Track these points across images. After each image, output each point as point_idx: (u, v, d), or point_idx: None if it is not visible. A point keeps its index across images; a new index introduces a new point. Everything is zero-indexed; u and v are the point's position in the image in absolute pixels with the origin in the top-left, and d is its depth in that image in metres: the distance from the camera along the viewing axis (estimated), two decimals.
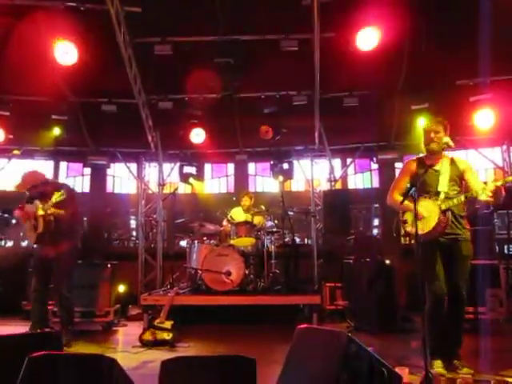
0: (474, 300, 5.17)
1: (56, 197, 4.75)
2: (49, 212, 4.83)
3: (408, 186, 3.54)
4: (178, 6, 6.80)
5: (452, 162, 3.88)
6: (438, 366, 3.62)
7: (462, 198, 3.65)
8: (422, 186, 3.71)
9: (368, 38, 6.39)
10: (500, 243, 6.24)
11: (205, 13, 7.11)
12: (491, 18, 5.93)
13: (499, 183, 3.44)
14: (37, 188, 5.08)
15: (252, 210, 7.08)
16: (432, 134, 3.87)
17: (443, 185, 3.77)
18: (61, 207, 4.86)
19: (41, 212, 4.86)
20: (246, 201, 7.20)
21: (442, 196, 3.72)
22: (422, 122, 7.74)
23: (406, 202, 3.52)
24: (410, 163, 4.08)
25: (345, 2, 6.54)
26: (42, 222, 4.88)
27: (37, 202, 4.94)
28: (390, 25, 6.36)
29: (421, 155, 4.08)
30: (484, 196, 3.52)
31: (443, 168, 3.84)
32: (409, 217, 3.80)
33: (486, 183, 3.56)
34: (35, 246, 5.17)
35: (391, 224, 4.07)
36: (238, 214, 7.15)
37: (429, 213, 3.68)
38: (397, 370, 2.77)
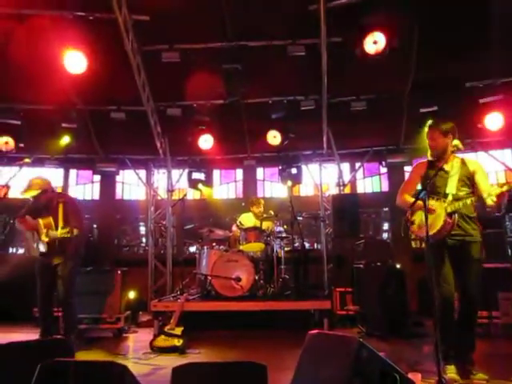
0: (486, 304, 5.11)
1: (62, 232, 4.77)
2: (54, 237, 4.84)
3: (418, 188, 3.52)
4: (186, 14, 6.84)
5: (463, 163, 3.84)
6: (451, 372, 3.57)
7: (468, 201, 3.62)
8: (431, 188, 3.68)
9: (375, 42, 6.37)
10: None
11: (212, 19, 7.16)
12: (501, 20, 5.89)
13: (504, 189, 3.40)
14: (42, 196, 5.01)
15: (262, 215, 7.09)
16: (428, 142, 3.87)
17: (452, 187, 3.74)
18: (66, 226, 4.86)
19: (44, 238, 4.85)
20: (257, 208, 7.22)
21: (449, 198, 3.69)
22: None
23: (418, 203, 3.49)
24: (420, 165, 4.05)
25: (351, 6, 6.55)
26: (46, 245, 4.88)
27: (40, 221, 4.91)
28: (397, 28, 6.35)
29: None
30: (489, 200, 3.50)
31: (453, 170, 3.81)
32: (417, 218, 3.78)
33: (492, 186, 3.55)
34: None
35: (399, 227, 4.05)
36: (247, 220, 7.15)
37: (435, 214, 3.65)
38: (409, 375, 2.74)
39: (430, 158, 4.00)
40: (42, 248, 4.91)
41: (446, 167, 3.82)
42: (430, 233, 3.58)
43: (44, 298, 5.08)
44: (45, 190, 5.02)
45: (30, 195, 4.99)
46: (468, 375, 3.54)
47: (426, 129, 3.95)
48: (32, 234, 5.02)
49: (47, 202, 5.03)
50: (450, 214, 3.62)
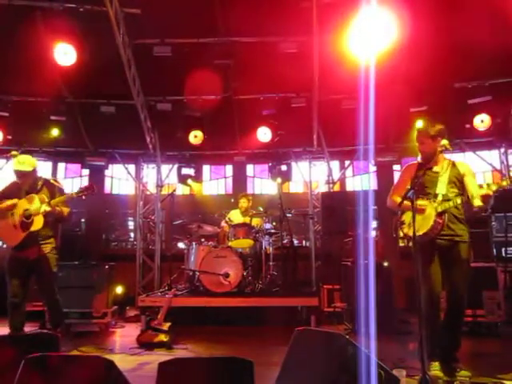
0: (471, 303, 5.17)
1: (60, 196, 4.46)
2: (57, 209, 4.46)
3: (408, 187, 3.55)
4: (177, 8, 6.80)
5: (453, 165, 3.88)
6: (435, 369, 3.62)
7: (458, 200, 3.67)
8: (420, 188, 3.71)
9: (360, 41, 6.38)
10: (497, 246, 6.24)
11: (204, 14, 7.13)
12: (489, 21, 5.95)
13: (490, 190, 3.46)
14: (32, 174, 4.61)
15: (250, 211, 7.09)
16: (418, 146, 3.90)
17: (441, 187, 3.78)
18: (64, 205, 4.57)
19: (45, 208, 4.38)
20: (243, 202, 7.21)
21: (439, 198, 3.73)
22: (420, 124, 7.77)
23: (405, 202, 3.53)
24: (410, 166, 4.07)
25: (343, 3, 6.55)
26: (42, 220, 4.41)
27: (33, 195, 4.48)
28: (387, 27, 6.36)
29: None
30: (476, 201, 3.55)
31: (443, 170, 3.85)
32: (406, 218, 3.81)
33: (481, 186, 3.58)
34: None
35: (389, 226, 4.08)
36: (236, 216, 7.15)
37: (425, 214, 3.69)
38: (394, 372, 2.77)
39: (419, 160, 4.02)
40: (34, 226, 4.38)
41: (436, 168, 3.86)
42: (420, 232, 3.64)
43: (19, 298, 4.50)
44: (35, 170, 4.66)
45: (24, 169, 4.52)
46: (452, 373, 3.58)
47: (416, 132, 3.97)
48: (7, 219, 4.50)
49: (34, 181, 4.64)
50: (440, 214, 3.65)
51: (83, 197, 4.49)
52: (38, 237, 4.51)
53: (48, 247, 4.59)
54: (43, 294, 4.69)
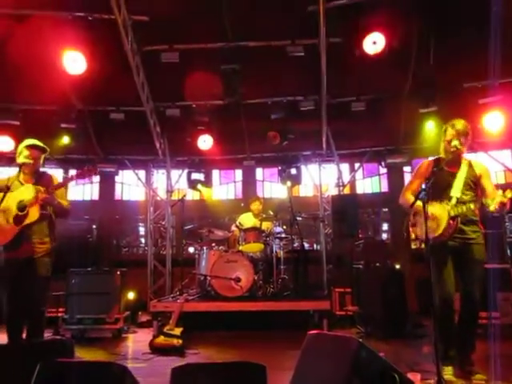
0: (485, 304, 5.11)
1: (61, 189, 4.07)
2: (57, 199, 4.00)
3: (422, 187, 3.51)
4: (184, 14, 6.84)
5: (469, 165, 3.80)
6: (447, 373, 3.53)
7: (472, 206, 3.60)
8: (434, 188, 3.60)
9: (375, 43, 6.38)
10: (511, 247, 6.17)
11: (211, 20, 7.16)
12: (500, 20, 5.89)
13: (508, 197, 3.38)
14: (39, 160, 4.17)
15: (261, 215, 7.09)
16: (462, 139, 3.73)
17: (457, 189, 3.70)
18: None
19: (42, 194, 3.87)
20: (257, 205, 7.24)
21: (453, 201, 3.65)
22: (430, 125, 7.73)
23: (417, 203, 3.49)
24: (426, 164, 3.96)
25: (351, 6, 6.55)
26: (38, 211, 3.92)
27: (29, 185, 4.01)
28: (396, 29, 6.35)
29: (439, 156, 3.93)
30: (492, 207, 3.48)
31: (460, 171, 3.76)
32: (419, 220, 3.74)
33: (502, 190, 3.48)
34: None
35: (401, 228, 4.04)
36: (247, 219, 7.15)
37: (438, 217, 3.63)
38: (408, 375, 2.75)
39: (440, 156, 3.89)
40: (30, 218, 3.84)
41: (454, 169, 3.78)
42: (433, 235, 3.57)
43: (15, 317, 3.97)
44: (44, 155, 4.25)
45: (40, 144, 4.16)
46: (468, 376, 3.53)
47: (459, 125, 3.78)
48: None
49: (37, 170, 4.23)
50: (453, 217, 3.59)
51: (86, 179, 4.19)
52: (32, 235, 3.97)
53: (43, 248, 4.02)
54: (27, 301, 3.94)
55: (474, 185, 3.75)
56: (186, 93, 7.95)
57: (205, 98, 8.29)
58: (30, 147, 4.12)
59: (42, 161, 4.23)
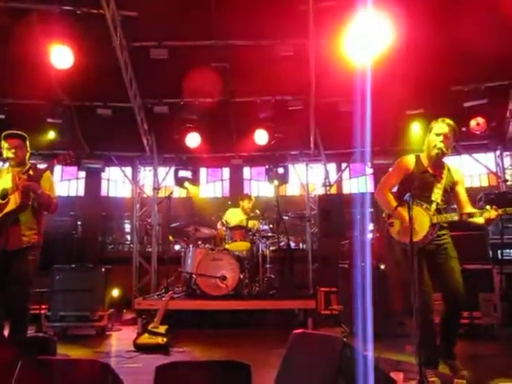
0: (468, 305, 5.18)
1: (48, 181, 4.02)
2: (41, 189, 3.90)
3: (399, 187, 3.51)
4: (174, 11, 6.80)
5: (448, 170, 3.78)
6: (431, 378, 3.48)
7: (456, 217, 3.60)
8: (416, 189, 3.61)
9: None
10: (493, 248, 6.26)
11: (201, 17, 7.14)
12: (486, 24, 5.98)
13: (497, 214, 3.42)
14: (22, 149, 4.10)
15: (249, 213, 7.11)
16: (441, 138, 3.66)
17: (437, 194, 3.67)
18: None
19: (22, 181, 3.80)
20: (247, 203, 7.26)
21: (434, 206, 3.63)
22: (416, 127, 7.81)
23: (394, 204, 3.52)
24: (406, 160, 3.83)
25: (340, 6, 6.58)
26: (18, 198, 3.84)
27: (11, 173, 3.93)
28: (384, 30, 6.39)
29: (419, 154, 3.85)
30: (481, 219, 3.50)
31: (443, 175, 3.73)
32: (396, 223, 3.72)
33: (487, 208, 3.49)
34: None
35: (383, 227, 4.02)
36: (234, 215, 7.15)
37: (419, 222, 3.57)
38: (392, 374, 2.77)
39: (420, 154, 3.83)
40: (12, 205, 3.73)
41: (436, 171, 3.74)
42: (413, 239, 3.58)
43: None
44: (26, 144, 4.19)
45: (20, 133, 4.14)
46: (453, 371, 3.52)
47: (442, 125, 3.69)
48: None
49: (23, 160, 4.16)
50: (433, 225, 3.58)
51: (65, 164, 4.06)
52: (19, 225, 3.91)
53: (30, 240, 3.97)
54: (12, 297, 3.86)
55: (450, 190, 3.75)
56: (175, 90, 7.92)
57: (193, 96, 8.26)
58: (7, 137, 4.09)
59: (26, 148, 4.17)
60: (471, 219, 3.57)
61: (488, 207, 3.49)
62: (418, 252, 3.58)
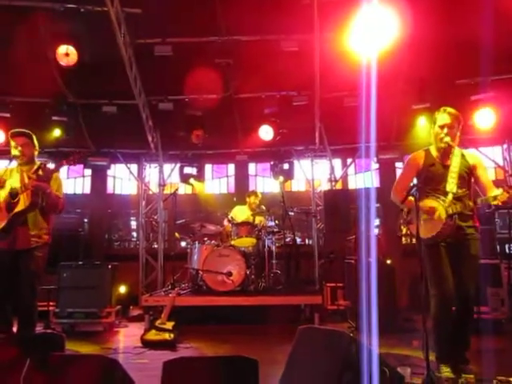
0: (476, 300, 5.16)
1: (57, 181, 4.04)
2: (50, 188, 3.91)
3: (413, 182, 3.47)
4: (178, 7, 6.79)
5: (462, 156, 3.70)
6: (445, 371, 3.48)
7: (471, 203, 3.53)
8: (428, 182, 3.56)
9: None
10: (501, 242, 6.23)
11: (205, 13, 7.11)
12: (493, 17, 5.91)
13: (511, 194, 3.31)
14: (29, 148, 4.12)
15: (255, 209, 7.11)
16: (446, 131, 3.61)
17: (452, 184, 3.59)
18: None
19: (33, 179, 3.84)
20: (253, 199, 7.25)
21: (449, 197, 3.55)
22: (422, 122, 7.75)
23: (410, 199, 3.41)
24: (416, 157, 3.81)
25: (345, 0, 6.53)
26: (28, 197, 3.85)
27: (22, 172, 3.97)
28: (389, 24, 6.34)
29: (428, 148, 3.81)
30: (494, 202, 3.41)
31: (453, 164, 3.65)
32: (415, 217, 3.60)
33: (502, 188, 3.38)
34: None
35: (393, 224, 3.99)
36: (241, 212, 7.15)
37: (437, 215, 3.52)
38: (399, 369, 2.77)
39: (430, 147, 3.78)
40: (21, 205, 3.75)
41: (446, 161, 3.69)
42: (430, 235, 3.52)
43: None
44: (34, 142, 4.21)
45: (26, 131, 4.16)
46: (461, 374, 3.46)
47: (444, 115, 3.65)
48: None
49: (31, 158, 4.21)
50: (450, 216, 3.49)
51: (74, 164, 4.10)
52: (27, 225, 3.93)
53: (38, 240, 3.99)
54: (19, 295, 3.90)
55: (468, 176, 3.66)
56: (179, 87, 7.91)
57: (198, 92, 8.24)
58: (13, 135, 4.13)
59: (33, 146, 4.20)
60: (492, 202, 3.45)
61: (501, 188, 3.38)
62: (436, 245, 3.55)
